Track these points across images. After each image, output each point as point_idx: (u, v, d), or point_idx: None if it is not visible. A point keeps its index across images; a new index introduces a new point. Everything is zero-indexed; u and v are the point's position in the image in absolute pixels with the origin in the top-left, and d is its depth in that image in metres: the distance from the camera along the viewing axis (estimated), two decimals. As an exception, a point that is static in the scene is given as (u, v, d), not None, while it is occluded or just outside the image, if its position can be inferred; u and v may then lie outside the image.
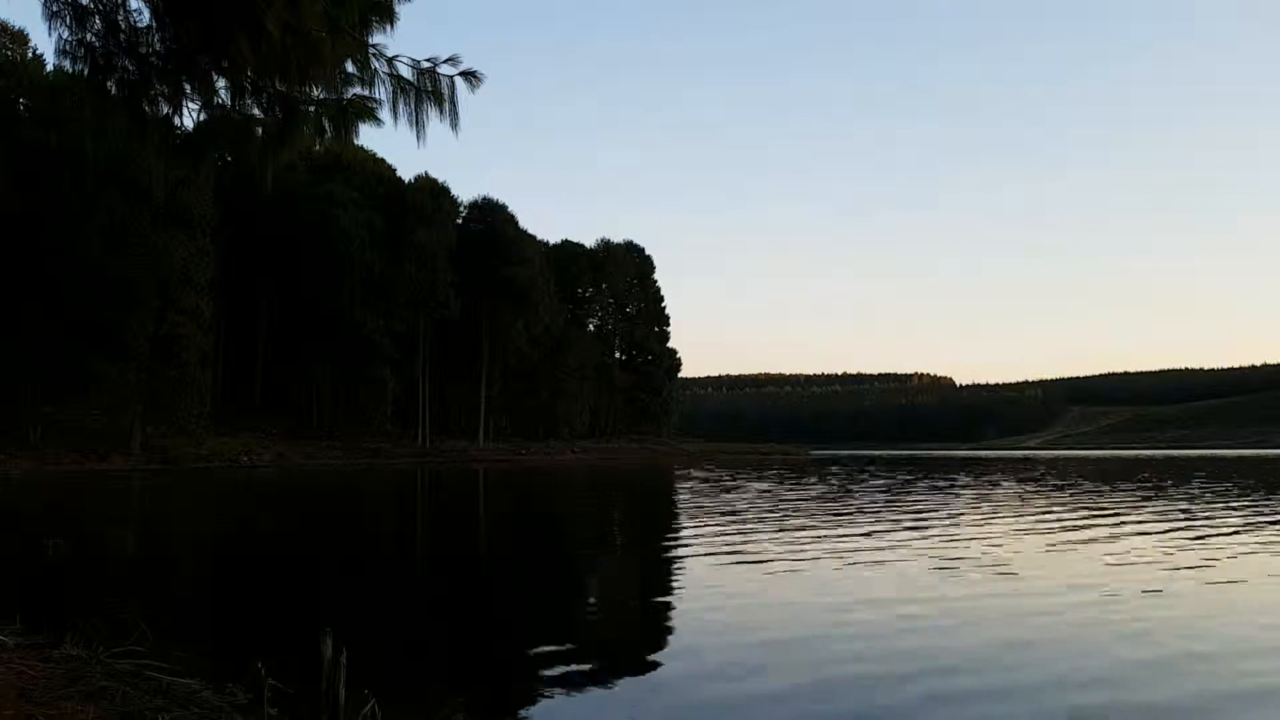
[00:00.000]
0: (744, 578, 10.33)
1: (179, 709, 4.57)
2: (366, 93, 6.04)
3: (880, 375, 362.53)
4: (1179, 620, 7.91)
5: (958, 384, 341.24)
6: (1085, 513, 19.29)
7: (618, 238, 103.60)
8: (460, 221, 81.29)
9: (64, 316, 46.92)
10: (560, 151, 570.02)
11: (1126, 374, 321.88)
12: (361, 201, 70.66)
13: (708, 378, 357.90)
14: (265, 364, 68.89)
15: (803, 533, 15.21)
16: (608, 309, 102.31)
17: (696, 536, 14.85)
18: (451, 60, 6.07)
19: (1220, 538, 14.33)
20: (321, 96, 6.04)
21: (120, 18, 5.84)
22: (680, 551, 13.13)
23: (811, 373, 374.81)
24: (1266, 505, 21.41)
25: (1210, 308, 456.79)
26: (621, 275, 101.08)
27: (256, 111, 6.11)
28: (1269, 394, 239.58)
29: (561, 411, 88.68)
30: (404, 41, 6.04)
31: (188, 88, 5.98)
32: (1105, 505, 21.37)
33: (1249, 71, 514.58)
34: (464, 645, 7.39)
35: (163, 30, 5.83)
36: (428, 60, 6.03)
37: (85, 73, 5.95)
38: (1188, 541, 13.80)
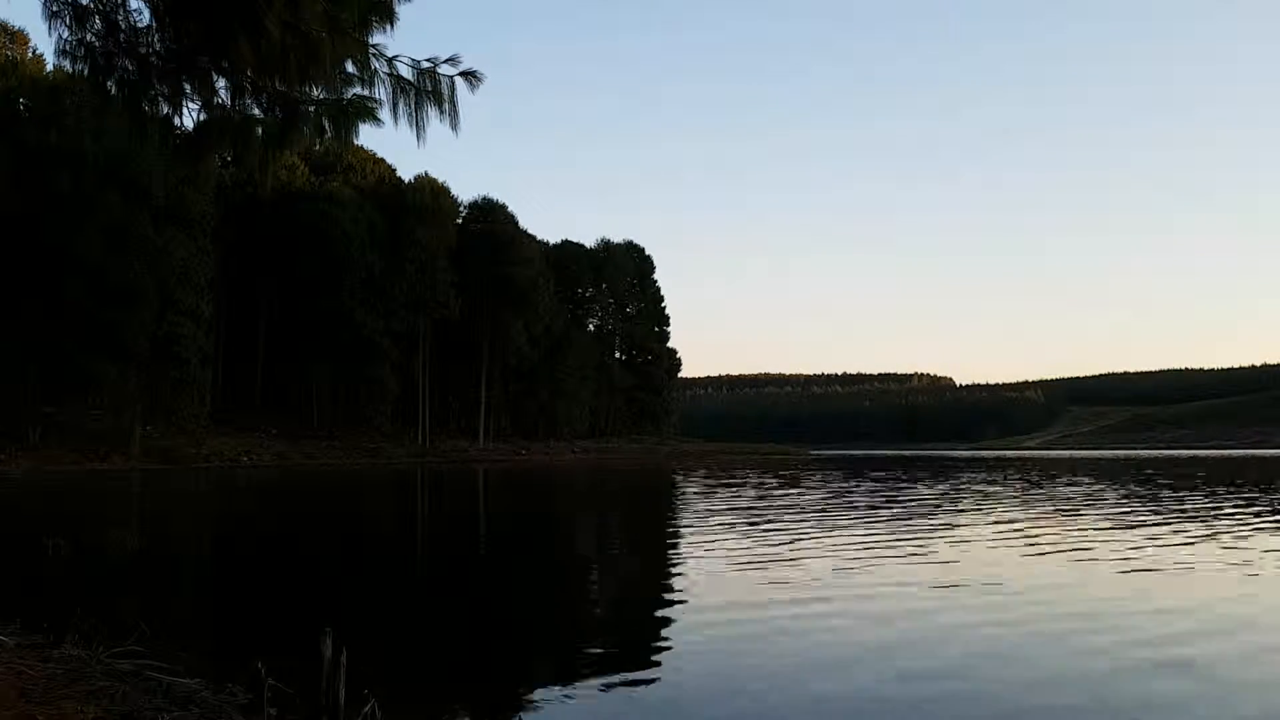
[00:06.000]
0: (744, 578, 10.33)
1: (179, 709, 4.57)
2: (366, 93, 6.04)
3: (880, 375, 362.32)
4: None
5: (958, 384, 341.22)
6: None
7: (618, 238, 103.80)
8: (460, 221, 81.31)
9: (64, 316, 46.94)
10: (560, 151, 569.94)
11: (1126, 374, 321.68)
12: (361, 201, 70.70)
13: (708, 378, 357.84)
14: (265, 364, 68.91)
15: (803, 533, 15.21)
16: (608, 309, 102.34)
17: (696, 537, 14.85)
18: (451, 60, 6.07)
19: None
20: (321, 96, 6.04)
21: (120, 18, 5.84)
22: (680, 552, 13.14)
23: (811, 373, 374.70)
24: None
25: (1210, 308, 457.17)
26: (621, 275, 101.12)
27: (256, 111, 6.11)
28: (1269, 394, 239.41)
29: (561, 411, 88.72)
30: (404, 41, 6.04)
31: (188, 88, 5.98)
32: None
33: (1249, 71, 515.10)
34: (464, 645, 7.39)
35: (163, 30, 5.84)
36: (428, 60, 6.03)
37: (85, 73, 5.96)
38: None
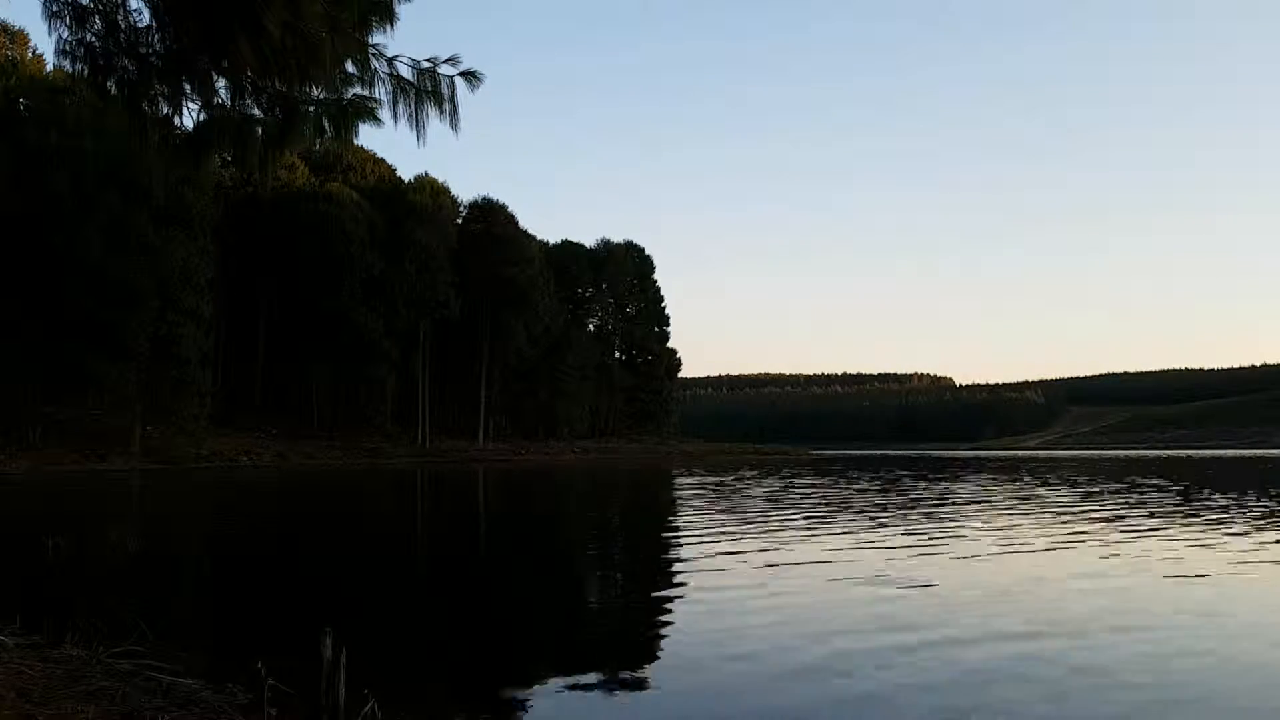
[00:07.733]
0: (745, 579, 10.32)
1: (179, 709, 4.57)
2: (366, 93, 6.04)
3: (880, 375, 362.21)
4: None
5: (958, 384, 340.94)
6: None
7: (618, 238, 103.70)
8: (460, 221, 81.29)
9: (64, 316, 46.89)
10: (560, 151, 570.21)
11: (1126, 374, 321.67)
12: (361, 201, 70.69)
13: (708, 378, 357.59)
14: (265, 364, 68.88)
15: (804, 533, 15.20)
16: (608, 309, 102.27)
17: (696, 537, 14.84)
18: (451, 60, 6.07)
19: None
20: (321, 96, 6.04)
21: (120, 18, 5.84)
22: (680, 552, 13.13)
23: (811, 373, 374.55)
24: None
25: (1210, 308, 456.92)
26: (621, 275, 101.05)
27: (256, 111, 6.11)
28: (1269, 394, 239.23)
29: (561, 411, 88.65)
30: (404, 41, 6.04)
31: (188, 88, 5.98)
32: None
33: (1249, 71, 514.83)
34: (464, 645, 7.39)
35: (163, 30, 5.83)
36: (428, 60, 6.03)
37: (85, 73, 5.95)
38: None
